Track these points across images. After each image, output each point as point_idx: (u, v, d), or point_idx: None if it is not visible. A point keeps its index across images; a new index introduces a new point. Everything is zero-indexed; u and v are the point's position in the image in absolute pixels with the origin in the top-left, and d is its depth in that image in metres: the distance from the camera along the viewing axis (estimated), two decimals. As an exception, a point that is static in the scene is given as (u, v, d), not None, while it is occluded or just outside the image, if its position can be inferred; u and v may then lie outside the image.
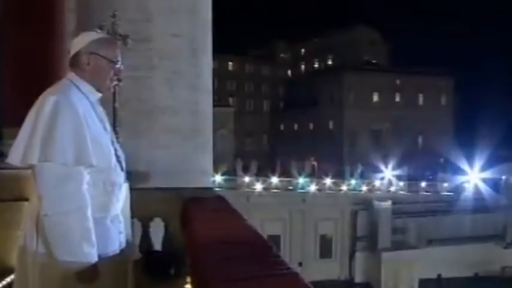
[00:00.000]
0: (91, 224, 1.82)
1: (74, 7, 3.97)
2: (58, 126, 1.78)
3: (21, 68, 3.60)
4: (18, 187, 3.06)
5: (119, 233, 2.02)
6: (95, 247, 1.82)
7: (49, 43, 3.63)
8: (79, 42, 2.00)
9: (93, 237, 1.82)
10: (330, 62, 62.80)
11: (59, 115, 1.79)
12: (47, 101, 1.81)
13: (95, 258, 1.81)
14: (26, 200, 2.08)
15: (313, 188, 33.01)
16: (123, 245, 2.05)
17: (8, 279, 2.98)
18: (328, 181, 33.93)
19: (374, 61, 58.35)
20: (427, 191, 35.65)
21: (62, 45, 3.57)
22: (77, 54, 1.97)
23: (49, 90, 1.92)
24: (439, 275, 30.83)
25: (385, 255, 30.05)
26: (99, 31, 3.59)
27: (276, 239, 28.08)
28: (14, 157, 1.87)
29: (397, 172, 38.21)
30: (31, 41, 3.64)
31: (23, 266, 1.93)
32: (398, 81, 55.44)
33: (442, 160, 46.73)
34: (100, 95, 2.04)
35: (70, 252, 1.78)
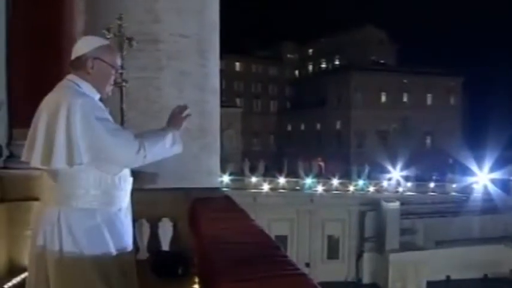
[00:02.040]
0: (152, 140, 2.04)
1: (83, 9, 4.00)
2: (95, 126, 1.91)
3: (31, 70, 3.63)
4: (28, 187, 3.08)
5: (127, 227, 2.09)
6: (167, 136, 2.08)
7: (57, 47, 3.66)
8: (83, 47, 2.09)
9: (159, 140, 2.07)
10: (337, 62, 62.54)
11: (91, 116, 1.92)
12: (73, 106, 1.90)
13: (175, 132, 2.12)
14: (36, 199, 2.10)
15: (320, 188, 32.87)
16: (132, 238, 2.12)
17: (18, 278, 3.01)
18: (335, 181, 33.76)
19: (381, 61, 58.00)
20: (435, 192, 35.34)
21: (71, 49, 3.58)
22: (81, 58, 2.07)
23: (59, 93, 2.00)
24: (447, 277, 30.54)
25: (392, 256, 29.82)
26: (106, 32, 3.63)
27: (282, 239, 28.01)
28: (56, 160, 1.92)
29: (404, 173, 37.91)
30: (40, 45, 3.67)
31: (42, 266, 1.96)
32: (406, 81, 55.04)
33: (450, 161, 46.32)
34: (99, 95, 2.13)
35: (172, 149, 2.10)
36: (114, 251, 1.95)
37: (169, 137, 2.08)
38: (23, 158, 2.03)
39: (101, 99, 2.14)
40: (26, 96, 3.31)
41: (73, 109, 1.89)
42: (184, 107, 2.21)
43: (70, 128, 1.89)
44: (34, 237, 1.99)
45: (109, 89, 2.16)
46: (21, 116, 3.36)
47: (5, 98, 3.68)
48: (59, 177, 1.95)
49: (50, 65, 3.54)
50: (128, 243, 2.05)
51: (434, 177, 38.32)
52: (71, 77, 2.06)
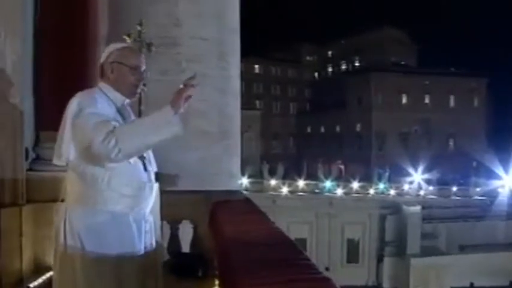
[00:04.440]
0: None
1: (107, 13, 4.07)
2: (81, 119, 1.93)
3: (57, 75, 3.71)
4: (53, 188, 3.14)
5: (144, 232, 2.06)
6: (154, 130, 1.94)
7: (83, 50, 3.74)
8: (104, 53, 2.14)
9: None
10: (357, 64, 61.97)
11: (83, 112, 1.94)
12: (71, 104, 2.00)
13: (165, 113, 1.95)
14: (62, 201, 2.15)
15: (340, 191, 32.57)
16: (149, 244, 2.08)
17: (44, 277, 3.08)
18: (355, 184, 33.39)
19: (402, 62, 57.16)
20: (458, 196, 34.54)
21: (95, 52, 3.66)
22: (102, 64, 2.12)
23: (76, 94, 2.06)
24: (471, 284, 29.76)
25: (414, 261, 29.27)
26: (126, 38, 3.70)
27: (302, 242, 27.84)
28: (55, 157, 2.07)
29: (426, 176, 37.19)
30: (66, 48, 3.75)
31: (55, 259, 2.04)
32: (427, 83, 54.06)
33: (474, 164, 45.20)
34: (127, 100, 2.15)
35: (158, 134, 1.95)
36: (114, 253, 1.94)
37: (155, 121, 1.93)
38: None
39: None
40: (52, 98, 3.38)
41: (70, 106, 1.98)
42: (190, 78, 2.00)
43: (64, 125, 1.98)
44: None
45: (135, 90, 2.15)
46: (48, 118, 3.43)
47: (32, 100, 3.76)
48: (71, 176, 2.03)
49: (76, 67, 3.62)
50: (135, 248, 1.99)
51: (459, 181, 37.37)
52: (99, 83, 2.13)
